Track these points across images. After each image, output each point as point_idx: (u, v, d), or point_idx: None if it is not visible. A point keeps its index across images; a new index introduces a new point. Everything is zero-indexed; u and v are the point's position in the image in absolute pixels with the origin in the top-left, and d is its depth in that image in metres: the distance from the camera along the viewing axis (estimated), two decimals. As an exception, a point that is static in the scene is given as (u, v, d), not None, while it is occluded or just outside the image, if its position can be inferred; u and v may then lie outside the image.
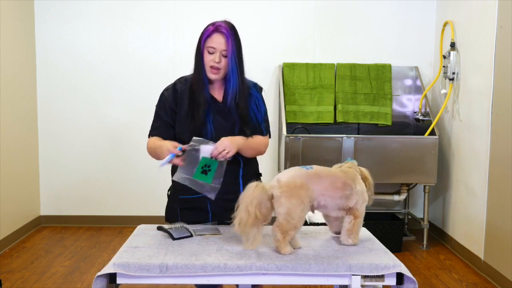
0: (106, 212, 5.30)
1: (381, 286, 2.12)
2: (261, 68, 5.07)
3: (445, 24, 4.80)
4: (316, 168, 2.21)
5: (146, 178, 5.24)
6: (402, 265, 2.08)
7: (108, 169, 5.27)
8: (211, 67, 2.41)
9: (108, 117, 5.23)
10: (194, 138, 2.30)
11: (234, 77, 2.43)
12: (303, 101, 4.91)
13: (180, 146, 2.30)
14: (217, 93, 2.50)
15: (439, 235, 4.94)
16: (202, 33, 2.45)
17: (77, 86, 5.21)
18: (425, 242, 4.69)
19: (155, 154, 2.44)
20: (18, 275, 3.93)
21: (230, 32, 2.41)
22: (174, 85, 2.53)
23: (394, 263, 2.07)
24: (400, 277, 2.06)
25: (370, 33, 5.18)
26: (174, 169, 2.57)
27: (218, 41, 2.39)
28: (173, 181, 2.63)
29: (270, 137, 2.61)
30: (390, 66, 5.01)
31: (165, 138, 2.43)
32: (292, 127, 4.91)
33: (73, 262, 4.25)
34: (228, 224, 2.48)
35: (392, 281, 2.07)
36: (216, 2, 5.13)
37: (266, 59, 5.13)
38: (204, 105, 2.43)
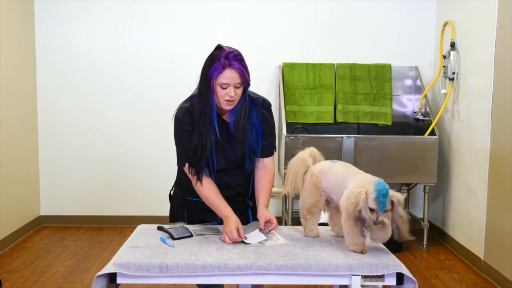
0: (106, 212, 5.30)
1: (381, 286, 2.12)
2: (261, 68, 5.07)
3: (445, 24, 4.80)
4: (338, 163, 2.39)
5: (146, 178, 5.24)
6: (402, 265, 2.08)
7: (108, 169, 5.26)
8: (227, 100, 2.36)
9: (108, 117, 5.23)
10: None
11: (240, 102, 2.41)
12: (303, 101, 4.91)
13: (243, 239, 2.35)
14: (226, 115, 2.48)
15: (439, 235, 4.94)
16: (211, 68, 2.33)
17: (77, 86, 5.21)
18: (425, 242, 4.69)
19: (210, 205, 2.48)
20: (18, 275, 3.93)
21: (241, 63, 2.34)
22: (187, 110, 2.45)
23: (394, 263, 2.07)
24: (400, 277, 2.07)
25: (370, 33, 5.18)
26: (178, 173, 2.62)
27: (231, 76, 2.31)
28: (177, 181, 2.64)
29: (274, 152, 2.63)
30: (390, 66, 5.01)
31: (203, 164, 2.43)
32: (292, 127, 4.91)
33: (73, 262, 4.25)
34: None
35: (392, 281, 2.07)
36: (216, 2, 5.13)
37: (266, 59, 5.13)
38: (210, 141, 2.40)
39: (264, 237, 2.34)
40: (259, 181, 2.54)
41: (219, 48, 2.37)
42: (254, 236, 2.35)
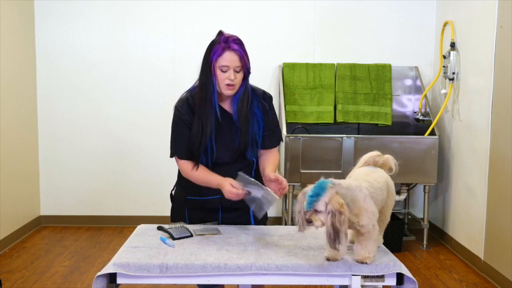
0: (106, 212, 5.30)
1: (381, 286, 2.12)
2: (261, 68, 5.06)
3: (445, 24, 4.80)
4: (364, 169, 2.23)
5: (146, 178, 5.24)
6: (402, 265, 2.08)
7: (108, 169, 5.26)
8: (227, 85, 2.38)
9: (108, 117, 5.23)
10: (240, 174, 2.35)
11: (241, 89, 2.44)
12: (303, 101, 4.91)
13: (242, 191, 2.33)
14: (227, 105, 2.49)
15: (439, 235, 4.94)
16: (211, 52, 2.37)
17: (77, 86, 5.21)
18: (425, 242, 4.69)
19: (206, 184, 2.46)
20: (18, 275, 3.93)
21: (240, 47, 2.38)
22: (186, 100, 2.47)
23: (394, 263, 2.07)
24: (400, 277, 2.06)
25: (370, 33, 5.18)
26: (179, 173, 2.61)
27: (230, 59, 2.36)
28: (178, 181, 2.64)
29: (280, 143, 2.64)
30: (390, 66, 5.01)
31: (193, 157, 2.44)
32: (292, 127, 4.91)
33: (73, 262, 4.25)
34: (237, 223, 2.50)
35: (392, 281, 2.07)
36: (216, 2, 5.13)
37: (266, 59, 5.13)
38: (211, 125, 2.41)
39: (269, 191, 2.29)
40: (264, 159, 2.53)
41: (219, 33, 2.42)
42: (256, 190, 2.32)
